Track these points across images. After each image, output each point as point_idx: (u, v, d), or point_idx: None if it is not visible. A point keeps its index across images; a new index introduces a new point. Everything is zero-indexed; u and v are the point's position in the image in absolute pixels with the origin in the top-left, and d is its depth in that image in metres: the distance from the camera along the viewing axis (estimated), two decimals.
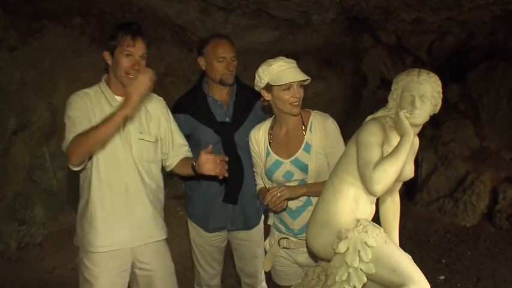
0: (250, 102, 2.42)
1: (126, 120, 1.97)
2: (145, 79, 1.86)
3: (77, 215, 2.13)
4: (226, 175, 2.08)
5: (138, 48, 2.01)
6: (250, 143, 2.21)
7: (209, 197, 2.44)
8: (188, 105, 2.40)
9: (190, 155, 2.27)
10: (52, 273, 3.73)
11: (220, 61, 2.32)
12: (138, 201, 2.10)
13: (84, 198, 2.09)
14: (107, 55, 2.03)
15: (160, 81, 4.64)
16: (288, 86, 1.98)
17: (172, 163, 2.25)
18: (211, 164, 2.04)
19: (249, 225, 2.52)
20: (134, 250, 2.11)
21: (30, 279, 3.62)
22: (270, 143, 2.14)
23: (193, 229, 2.56)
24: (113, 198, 2.04)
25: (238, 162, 2.37)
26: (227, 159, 2.09)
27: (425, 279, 1.56)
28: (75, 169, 2.00)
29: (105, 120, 1.87)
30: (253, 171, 2.30)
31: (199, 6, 4.58)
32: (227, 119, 2.40)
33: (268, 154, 2.13)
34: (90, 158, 2.01)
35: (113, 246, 2.05)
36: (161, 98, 2.26)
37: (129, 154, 2.06)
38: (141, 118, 2.12)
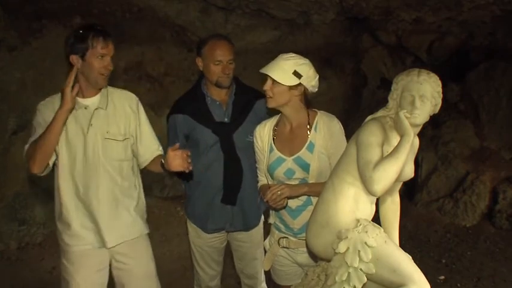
0: (249, 103, 2.42)
1: (68, 114, 2.00)
2: (73, 73, 1.95)
3: (55, 215, 2.17)
4: (190, 168, 2.06)
5: (110, 49, 2.04)
6: (254, 139, 2.20)
7: (208, 198, 2.44)
8: (187, 106, 2.39)
9: (161, 153, 2.25)
10: (52, 273, 3.72)
11: (216, 64, 2.30)
12: (110, 200, 2.10)
13: (57, 199, 2.12)
14: (74, 58, 2.02)
15: (161, 81, 4.65)
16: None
17: (144, 161, 2.24)
18: (178, 159, 2.03)
19: (248, 226, 2.51)
20: (111, 249, 2.13)
21: (30, 279, 3.63)
22: (274, 139, 2.14)
23: (193, 230, 2.55)
24: (83, 198, 2.06)
25: (237, 163, 2.36)
26: (189, 153, 2.07)
27: (425, 279, 1.56)
28: (40, 175, 2.05)
29: (50, 123, 1.94)
30: (254, 170, 2.30)
31: (199, 6, 4.59)
32: (226, 119, 2.39)
33: (271, 150, 2.13)
34: (56, 159, 2.05)
35: (85, 245, 2.08)
36: (133, 95, 2.24)
37: (96, 154, 2.07)
38: (108, 117, 2.11)
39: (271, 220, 2.25)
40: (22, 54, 3.92)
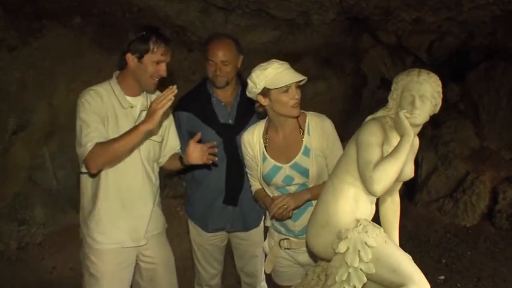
0: (254, 104, 2.42)
1: (147, 133, 1.96)
2: (170, 96, 1.85)
3: (81, 212, 2.14)
4: (215, 159, 2.09)
5: (168, 57, 2.03)
6: (243, 147, 2.15)
7: (210, 198, 2.44)
8: (191, 105, 2.39)
9: (179, 151, 2.28)
10: (52, 273, 3.73)
11: (210, 63, 2.30)
12: (144, 199, 2.12)
13: (88, 195, 2.09)
14: (130, 57, 1.98)
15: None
16: (286, 88, 1.93)
17: (163, 160, 2.27)
18: (198, 152, 2.05)
19: (248, 227, 2.51)
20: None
21: (30, 279, 3.62)
22: (265, 147, 2.09)
23: (193, 228, 2.56)
24: (119, 196, 2.06)
25: (239, 165, 2.36)
26: (215, 143, 2.10)
27: (425, 279, 1.56)
28: (91, 174, 2.02)
29: (128, 134, 1.88)
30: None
31: (199, 6, 4.58)
32: (230, 121, 2.38)
33: (264, 159, 2.08)
34: None
35: (117, 243, 2.08)
36: None
37: (137, 154, 2.07)
38: None
39: (268, 223, 2.24)
40: (22, 54, 3.92)
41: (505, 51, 4.80)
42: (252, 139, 2.11)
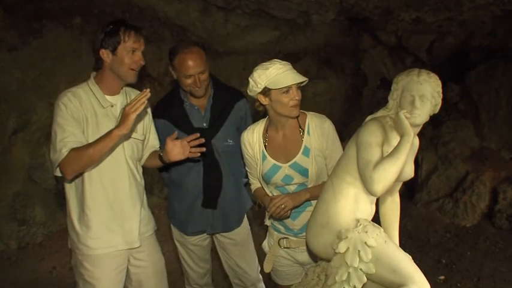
0: (228, 105, 2.37)
1: (121, 137, 1.93)
2: (143, 99, 1.82)
3: (68, 219, 2.09)
4: (203, 150, 2.04)
5: (142, 44, 2.01)
6: (243, 146, 2.15)
7: (188, 202, 2.41)
8: (166, 110, 2.36)
9: (158, 149, 2.26)
10: (52, 273, 3.73)
11: (187, 77, 2.23)
12: (132, 199, 2.09)
13: (75, 201, 2.05)
14: (105, 53, 1.98)
15: (161, 81, 4.65)
16: (287, 89, 1.94)
17: (144, 158, 2.24)
18: (178, 148, 2.02)
19: (229, 228, 2.48)
20: (131, 248, 2.12)
21: (30, 279, 3.63)
22: (265, 146, 2.09)
23: (175, 230, 2.54)
24: (107, 199, 2.03)
25: (216, 168, 2.34)
26: (198, 135, 2.05)
27: (426, 279, 1.56)
28: (66, 181, 2.01)
29: (102, 139, 1.86)
30: (235, 174, 2.29)
31: (199, 6, 4.58)
32: (204, 124, 2.34)
33: (264, 158, 2.09)
34: None
35: (109, 247, 2.05)
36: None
37: (121, 154, 2.06)
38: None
39: (267, 222, 2.23)
40: (22, 54, 3.92)
41: (505, 51, 4.80)
42: (252, 138, 2.12)
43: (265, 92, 1.97)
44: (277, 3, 4.30)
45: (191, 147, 2.06)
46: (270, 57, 2.06)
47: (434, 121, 4.28)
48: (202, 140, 2.06)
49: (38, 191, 4.18)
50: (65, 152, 1.87)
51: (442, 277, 3.61)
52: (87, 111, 1.97)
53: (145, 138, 2.18)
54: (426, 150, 4.83)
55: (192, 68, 2.20)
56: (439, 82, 1.73)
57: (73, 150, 1.87)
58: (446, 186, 4.70)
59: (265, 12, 4.58)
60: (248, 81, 2.02)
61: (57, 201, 4.29)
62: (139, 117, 2.14)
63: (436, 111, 1.76)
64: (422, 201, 4.74)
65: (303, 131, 2.05)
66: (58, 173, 1.95)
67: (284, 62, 1.98)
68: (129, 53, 1.98)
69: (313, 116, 2.08)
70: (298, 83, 1.97)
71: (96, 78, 2.06)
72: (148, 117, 2.22)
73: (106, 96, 2.03)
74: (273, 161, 2.06)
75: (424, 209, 4.67)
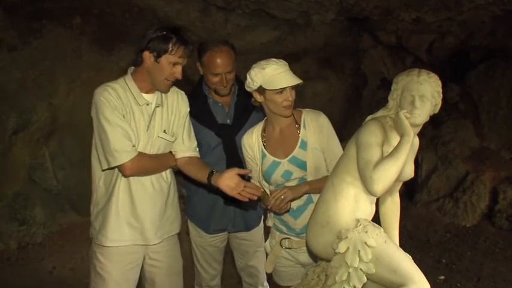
0: (251, 103, 2.41)
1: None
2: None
3: (93, 209, 2.09)
4: (254, 198, 1.96)
5: (185, 60, 2.00)
6: (243, 149, 2.18)
7: (211, 200, 2.43)
8: (190, 106, 2.36)
9: (198, 154, 2.22)
10: (52, 273, 3.73)
11: (214, 75, 2.25)
12: (153, 198, 2.09)
13: (103, 192, 2.05)
14: (147, 56, 1.94)
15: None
16: (281, 90, 1.97)
17: (180, 160, 2.19)
18: (233, 184, 1.93)
19: (249, 227, 2.51)
20: (148, 246, 2.12)
21: (30, 279, 3.63)
22: (264, 145, 2.13)
23: (194, 229, 2.56)
24: (136, 194, 2.03)
25: (239, 164, 2.34)
26: (262, 190, 2.02)
27: (426, 279, 1.56)
28: (97, 171, 2.03)
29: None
30: None
31: (199, 6, 4.58)
32: (228, 121, 2.37)
33: (264, 156, 2.12)
34: None
35: (130, 241, 2.05)
36: (182, 92, 2.22)
37: (154, 152, 2.06)
38: (163, 115, 2.08)
39: (269, 223, 2.24)
40: (22, 54, 3.92)
41: (505, 51, 4.80)
42: (251, 140, 2.16)
43: (260, 90, 2.01)
44: (277, 3, 4.30)
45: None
46: (270, 57, 2.07)
47: (434, 121, 4.28)
48: (258, 192, 1.97)
49: (38, 191, 4.18)
50: (128, 154, 1.90)
51: (442, 277, 3.61)
52: (125, 107, 1.96)
53: (175, 139, 2.15)
54: (426, 150, 4.83)
55: (221, 66, 2.22)
56: (439, 82, 1.73)
57: (142, 157, 1.97)
58: (446, 186, 4.70)
59: (265, 12, 4.58)
60: (246, 77, 2.05)
61: (57, 201, 4.29)
62: (171, 117, 2.12)
63: (436, 111, 1.76)
64: (422, 201, 4.74)
65: (299, 126, 2.08)
66: (105, 166, 1.95)
67: (281, 63, 2.00)
68: (171, 64, 1.96)
69: (309, 112, 2.12)
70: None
71: (133, 74, 2.03)
72: (182, 119, 2.18)
73: (143, 94, 2.02)
74: (272, 158, 2.09)
75: (424, 209, 4.68)
